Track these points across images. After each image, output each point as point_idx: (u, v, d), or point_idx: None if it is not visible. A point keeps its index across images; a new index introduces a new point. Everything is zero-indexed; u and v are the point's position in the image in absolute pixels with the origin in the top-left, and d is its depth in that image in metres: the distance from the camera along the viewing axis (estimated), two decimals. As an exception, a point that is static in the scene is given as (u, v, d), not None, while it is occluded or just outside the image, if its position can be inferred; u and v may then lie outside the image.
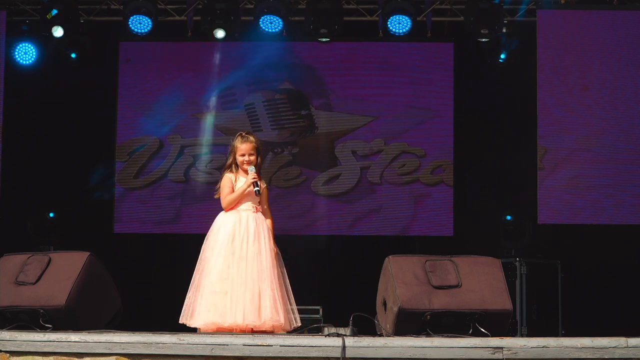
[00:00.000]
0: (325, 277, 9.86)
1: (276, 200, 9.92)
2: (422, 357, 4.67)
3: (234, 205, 6.25)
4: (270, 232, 6.28)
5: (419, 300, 5.41)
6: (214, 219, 6.38)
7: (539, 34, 9.99)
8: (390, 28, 9.88)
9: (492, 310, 5.46)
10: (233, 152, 6.33)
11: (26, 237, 9.83)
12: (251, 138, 6.35)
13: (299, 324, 6.18)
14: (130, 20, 9.82)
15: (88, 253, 5.92)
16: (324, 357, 4.68)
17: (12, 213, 9.86)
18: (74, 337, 4.85)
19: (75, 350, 4.81)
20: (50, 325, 5.56)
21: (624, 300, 9.51)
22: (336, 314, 8.10)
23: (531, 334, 9.05)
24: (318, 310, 9.02)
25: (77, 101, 10.30)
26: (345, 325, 5.82)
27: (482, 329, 5.38)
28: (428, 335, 5.30)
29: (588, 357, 4.64)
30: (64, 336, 4.87)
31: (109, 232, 10.44)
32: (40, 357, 4.82)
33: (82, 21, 10.06)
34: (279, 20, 9.90)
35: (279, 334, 5.80)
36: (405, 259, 5.65)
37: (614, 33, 9.96)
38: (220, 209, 6.36)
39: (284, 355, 4.69)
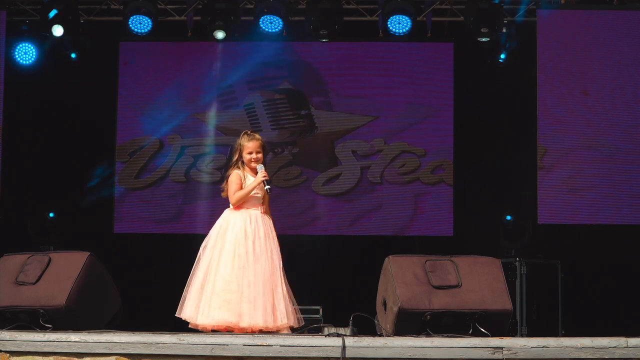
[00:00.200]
0: (325, 277, 9.86)
1: (276, 200, 9.89)
2: (422, 357, 4.67)
3: (242, 203, 6.23)
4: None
5: (419, 300, 5.41)
6: (215, 218, 6.38)
7: (539, 34, 9.99)
8: (390, 28, 9.88)
9: (492, 310, 5.46)
10: (239, 150, 6.34)
11: (26, 237, 9.83)
12: (257, 136, 6.38)
13: (303, 324, 6.19)
14: (130, 20, 9.82)
15: (88, 253, 5.92)
16: (324, 357, 4.68)
17: (12, 213, 9.86)
18: (74, 337, 4.85)
19: (75, 350, 4.81)
20: (50, 325, 5.57)
21: (624, 300, 9.51)
22: (336, 314, 8.10)
23: (531, 334, 9.05)
24: (318, 310, 9.02)
25: (77, 101, 10.30)
26: (345, 325, 5.82)
27: (482, 329, 5.38)
28: (428, 335, 5.30)
29: (588, 357, 4.64)
30: (64, 336, 4.87)
31: (109, 232, 10.44)
32: (40, 357, 4.82)
33: (82, 21, 10.06)
34: (279, 20, 9.90)
35: (279, 334, 5.80)
36: (405, 259, 5.66)
37: (614, 33, 9.96)
38: (223, 207, 6.36)
39: (284, 355, 4.70)
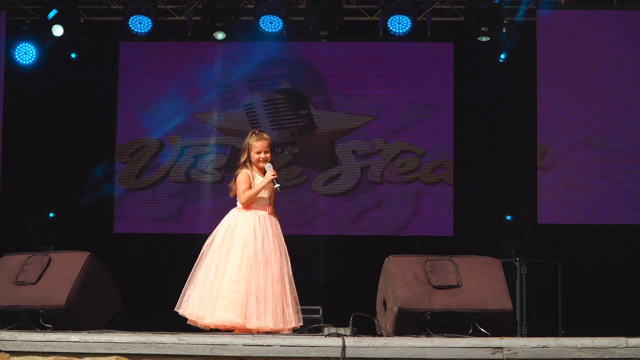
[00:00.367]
0: (325, 277, 9.87)
1: (277, 200, 9.89)
2: (422, 357, 4.67)
3: (250, 204, 6.23)
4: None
5: (419, 300, 5.41)
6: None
7: (539, 34, 9.99)
8: (390, 28, 9.88)
9: (492, 310, 5.46)
10: (247, 149, 6.31)
11: (26, 237, 9.83)
12: (265, 135, 6.35)
13: (301, 324, 6.19)
14: (130, 20, 9.82)
15: (88, 253, 5.92)
16: (324, 357, 4.68)
17: (12, 213, 9.86)
18: (74, 337, 4.85)
19: (75, 350, 4.81)
20: (50, 325, 5.56)
21: (624, 300, 9.51)
22: (336, 314, 8.10)
23: (531, 334, 9.05)
24: (318, 310, 9.02)
25: (77, 101, 10.30)
26: (345, 325, 5.82)
27: (482, 329, 5.38)
28: (428, 335, 5.30)
29: (588, 357, 4.64)
30: (64, 336, 4.87)
31: (109, 232, 10.44)
32: (40, 357, 4.82)
33: (82, 21, 10.06)
34: (279, 20, 9.90)
35: (279, 334, 5.80)
36: (405, 259, 5.65)
37: (614, 33, 9.96)
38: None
39: (284, 355, 4.69)
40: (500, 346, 4.67)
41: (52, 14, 9.69)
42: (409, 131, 10.55)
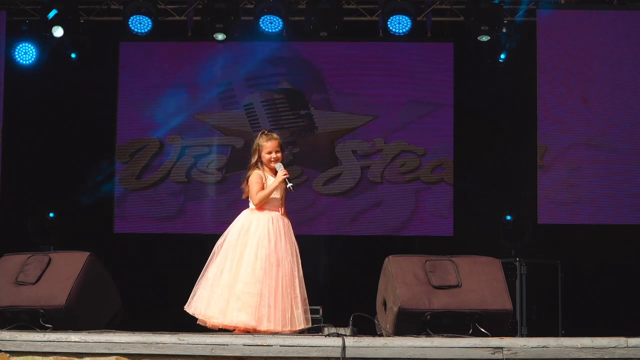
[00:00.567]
0: (325, 277, 9.86)
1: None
2: (422, 357, 4.67)
3: (263, 204, 6.22)
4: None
5: (419, 300, 5.41)
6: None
7: (539, 34, 9.99)
8: (390, 28, 9.88)
9: (492, 310, 5.46)
10: (258, 150, 6.27)
11: (26, 237, 9.83)
12: (275, 135, 6.32)
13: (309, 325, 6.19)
14: (130, 20, 9.82)
15: (88, 253, 5.92)
16: (324, 357, 4.68)
17: (12, 213, 9.86)
18: (74, 337, 4.85)
19: (75, 350, 4.81)
20: (50, 325, 5.57)
21: (624, 300, 9.51)
22: (336, 314, 8.09)
23: (531, 334, 9.05)
24: (318, 310, 9.01)
25: (77, 101, 10.30)
26: (345, 325, 5.82)
27: (482, 329, 5.38)
28: (428, 335, 5.30)
29: (588, 357, 4.64)
30: (64, 336, 4.87)
31: (109, 232, 10.44)
32: (40, 357, 4.82)
33: (82, 21, 10.06)
34: (279, 20, 9.90)
35: (280, 334, 5.80)
36: (405, 259, 5.65)
37: (614, 33, 9.96)
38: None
39: (284, 355, 4.69)
40: (500, 346, 4.67)
41: (52, 14, 9.69)
42: (409, 131, 10.55)
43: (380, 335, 5.60)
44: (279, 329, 5.94)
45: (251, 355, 4.70)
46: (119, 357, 4.76)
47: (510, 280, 9.08)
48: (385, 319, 5.64)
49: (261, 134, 6.35)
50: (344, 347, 4.64)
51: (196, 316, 6.08)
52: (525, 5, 10.07)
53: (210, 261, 6.14)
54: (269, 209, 6.21)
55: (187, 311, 6.08)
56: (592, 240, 9.79)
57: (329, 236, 10.46)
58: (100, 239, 9.83)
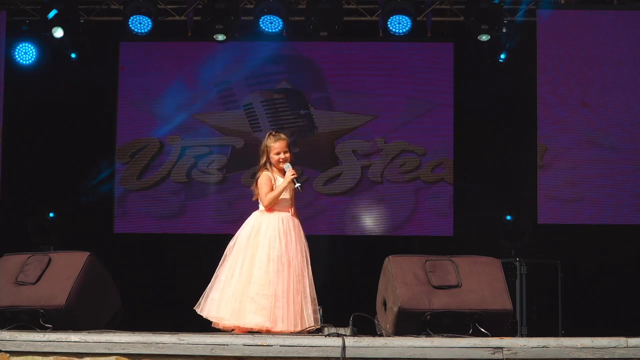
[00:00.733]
0: (325, 277, 9.83)
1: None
2: (422, 357, 4.67)
3: (273, 205, 6.21)
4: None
5: (419, 300, 5.41)
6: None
7: (539, 34, 9.99)
8: (390, 28, 9.88)
9: (492, 310, 5.46)
10: (266, 151, 6.29)
11: (26, 237, 9.83)
12: (282, 136, 6.34)
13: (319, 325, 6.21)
14: (130, 20, 9.82)
15: (88, 253, 5.92)
16: (324, 357, 4.68)
17: (12, 213, 9.86)
18: (74, 337, 4.85)
19: (75, 350, 4.81)
20: (50, 325, 5.56)
21: (624, 300, 9.51)
22: (336, 314, 8.08)
23: (531, 334, 9.04)
24: (318, 310, 8.99)
25: (77, 101, 10.30)
26: (345, 325, 5.82)
27: (482, 329, 5.38)
28: (428, 335, 5.30)
29: (588, 357, 4.65)
30: (64, 336, 4.87)
31: (109, 232, 10.44)
32: (40, 357, 4.82)
33: (82, 21, 10.06)
34: (279, 20, 9.90)
35: (280, 334, 5.80)
36: (405, 259, 5.65)
37: (614, 33, 9.96)
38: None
39: (284, 355, 4.69)
40: (500, 346, 4.67)
41: (52, 14, 9.69)
42: (409, 130, 10.55)
43: (380, 335, 5.60)
44: (291, 329, 5.96)
45: (251, 355, 4.70)
46: (119, 357, 4.76)
47: (510, 280, 9.08)
48: (385, 319, 5.63)
49: (269, 135, 6.36)
50: (344, 347, 4.65)
51: (209, 319, 6.09)
52: (525, 5, 10.07)
53: (221, 264, 6.16)
54: (279, 210, 6.23)
55: (200, 313, 6.09)
56: (592, 240, 9.79)
57: (329, 236, 10.45)
58: (100, 239, 9.83)
